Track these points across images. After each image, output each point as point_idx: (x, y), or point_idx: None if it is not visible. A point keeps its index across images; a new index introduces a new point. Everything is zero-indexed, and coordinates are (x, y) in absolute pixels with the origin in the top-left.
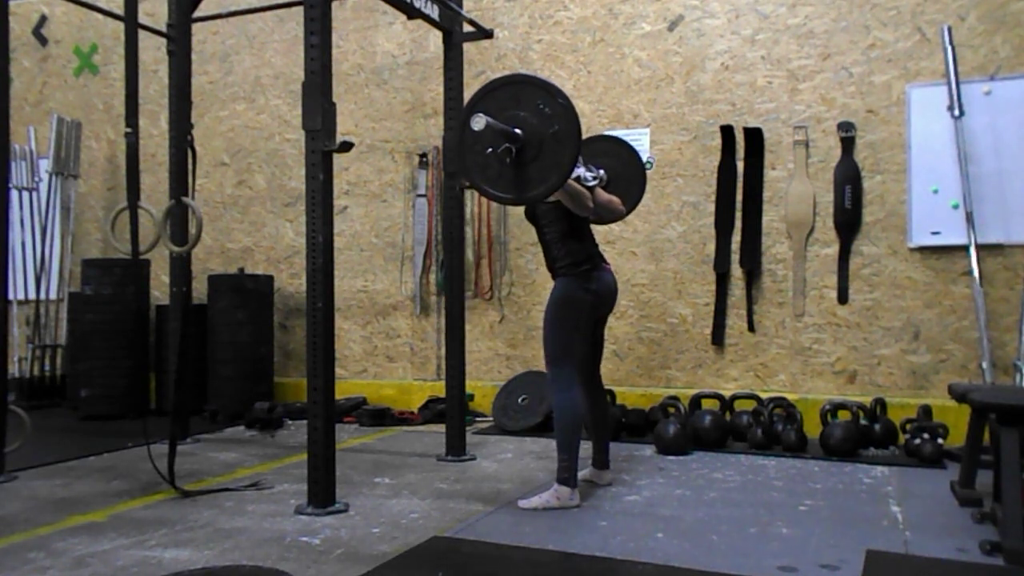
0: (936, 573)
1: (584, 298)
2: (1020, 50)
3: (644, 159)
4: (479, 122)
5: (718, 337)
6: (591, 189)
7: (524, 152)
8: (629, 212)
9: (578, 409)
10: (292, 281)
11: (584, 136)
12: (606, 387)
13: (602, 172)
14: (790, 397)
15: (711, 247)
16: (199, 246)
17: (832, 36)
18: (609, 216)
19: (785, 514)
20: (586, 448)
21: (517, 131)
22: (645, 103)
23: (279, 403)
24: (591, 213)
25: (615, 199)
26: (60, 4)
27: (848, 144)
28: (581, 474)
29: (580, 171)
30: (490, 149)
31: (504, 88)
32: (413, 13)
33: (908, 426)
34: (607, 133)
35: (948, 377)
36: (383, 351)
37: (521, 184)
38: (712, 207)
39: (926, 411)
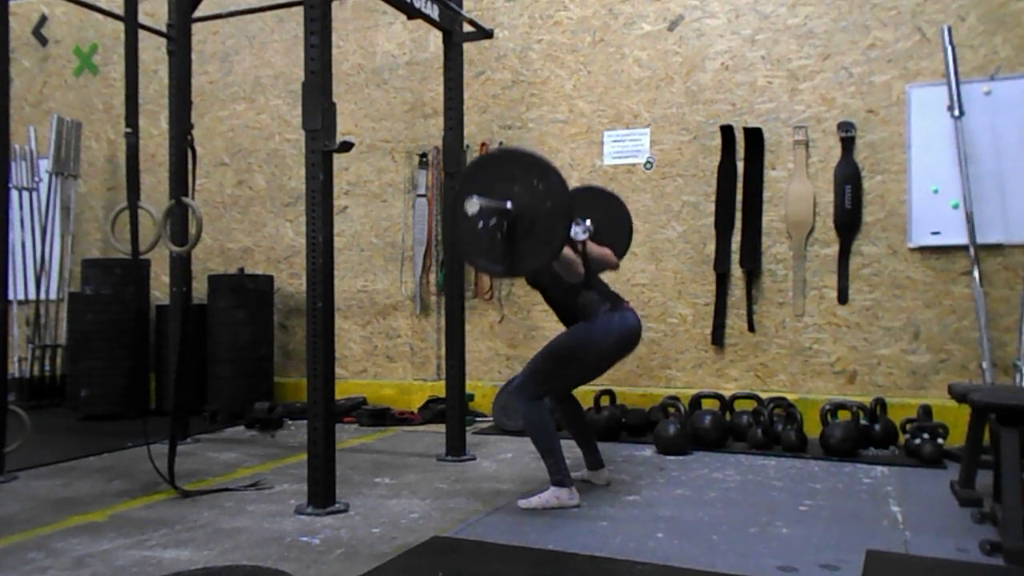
0: (936, 573)
1: (600, 343)
2: (1020, 50)
3: (644, 159)
4: (473, 205)
5: (718, 337)
6: (583, 243)
7: (516, 227)
8: (619, 261)
9: (544, 411)
10: (292, 281)
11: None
12: (606, 387)
13: (588, 223)
14: (790, 397)
15: (711, 247)
16: (199, 246)
17: (832, 36)
18: (601, 269)
19: (785, 514)
20: (577, 454)
21: (507, 205)
22: (645, 103)
23: (279, 403)
24: (581, 279)
25: (607, 251)
26: (60, 4)
27: (848, 144)
28: (577, 475)
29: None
30: (481, 223)
31: (497, 161)
32: (413, 13)
33: (908, 426)
34: (590, 185)
35: (948, 377)
36: (383, 351)
37: (512, 258)
38: (712, 207)
39: (926, 411)
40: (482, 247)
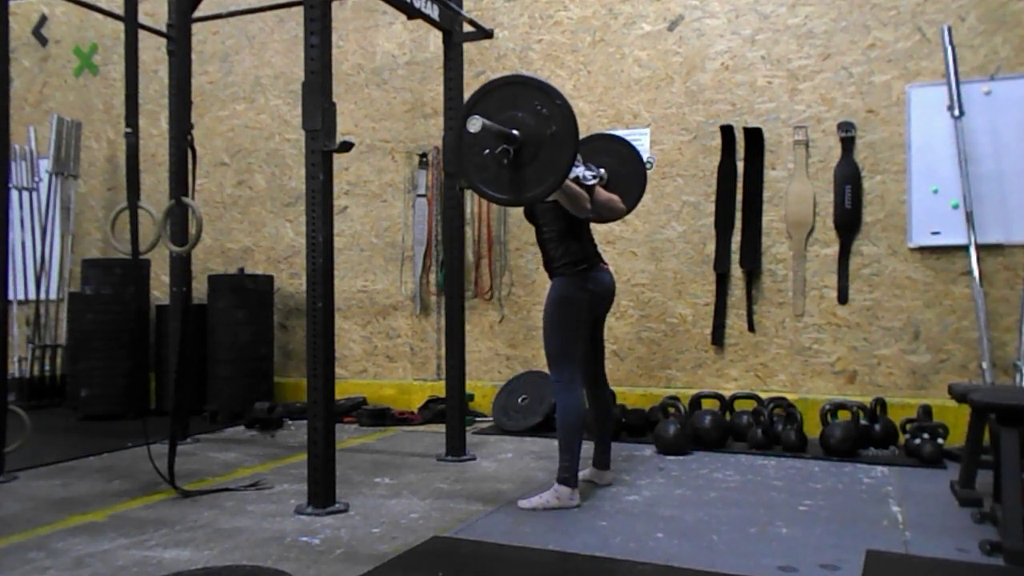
0: (936, 573)
1: (581, 297)
2: (1020, 50)
3: (644, 159)
4: (475, 124)
5: (718, 337)
6: (591, 188)
7: (521, 153)
8: (629, 211)
9: (581, 410)
10: (292, 281)
11: (583, 135)
12: None
13: (602, 171)
14: (790, 397)
15: (711, 247)
16: (199, 246)
17: (832, 36)
18: (609, 215)
19: (785, 514)
20: (587, 448)
21: (514, 132)
22: (645, 103)
23: (279, 403)
24: (589, 214)
25: (615, 198)
26: (60, 4)
27: (848, 144)
28: (582, 474)
29: (579, 171)
30: (487, 150)
31: (502, 89)
32: (413, 13)
33: (908, 426)
34: (607, 132)
35: (948, 377)
36: (383, 351)
37: (518, 185)
38: (712, 207)
39: (926, 411)
40: (488, 174)
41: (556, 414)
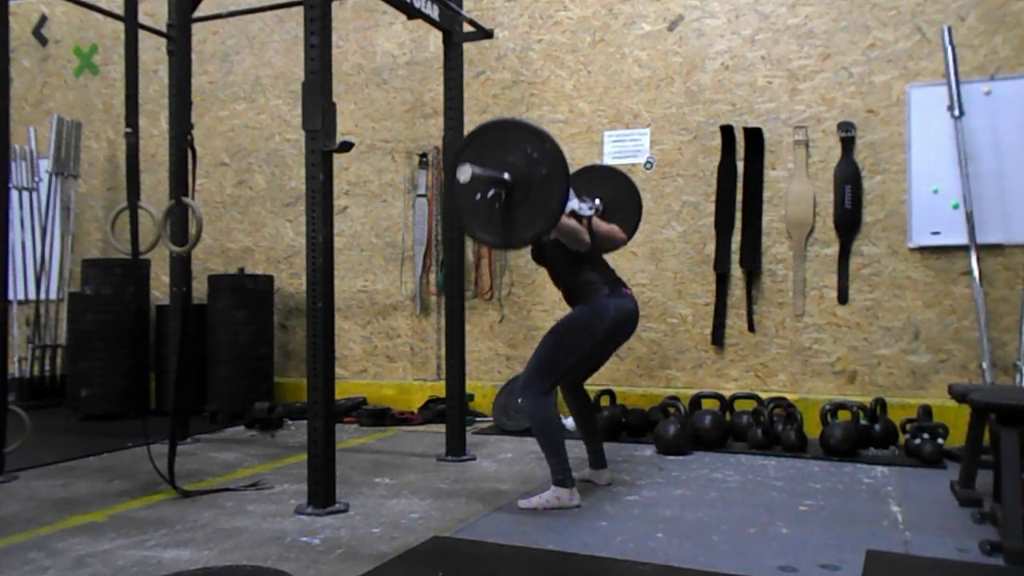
0: (936, 573)
1: (599, 325)
2: (1020, 50)
3: (644, 159)
4: (465, 173)
5: (718, 337)
6: (588, 219)
7: (512, 196)
8: (629, 238)
9: (550, 412)
10: (292, 281)
11: (576, 167)
12: (606, 387)
13: (597, 201)
14: (790, 397)
15: (711, 247)
16: (199, 246)
17: (832, 36)
18: (610, 245)
19: (785, 514)
20: (582, 450)
21: (505, 176)
22: (645, 103)
23: (279, 403)
24: (589, 248)
25: (614, 227)
26: (60, 4)
27: (848, 144)
28: (579, 475)
29: (574, 203)
30: (479, 195)
31: (491, 133)
32: (413, 13)
33: (908, 426)
34: (599, 163)
35: (948, 377)
36: (383, 351)
37: (511, 228)
38: (712, 207)
39: (926, 411)
40: (480, 218)
41: (528, 421)
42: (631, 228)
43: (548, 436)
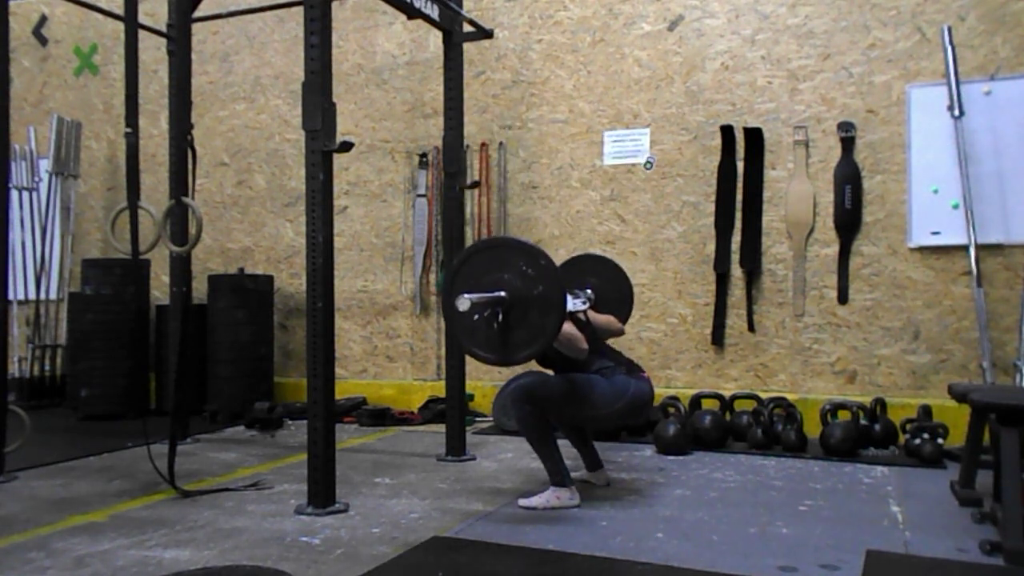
0: (936, 573)
1: (616, 402)
2: (1020, 50)
3: (644, 159)
4: (464, 304)
5: (718, 337)
6: (584, 313)
7: (510, 316)
8: (624, 326)
9: (539, 415)
10: (292, 281)
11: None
12: None
13: (588, 292)
14: (790, 397)
15: (711, 247)
16: (199, 246)
17: (832, 36)
18: (608, 336)
19: (785, 514)
20: (576, 452)
21: (501, 294)
22: (645, 103)
23: (279, 403)
24: (586, 353)
25: (611, 319)
26: (60, 4)
27: (848, 144)
28: (576, 476)
29: (567, 301)
30: (476, 316)
31: (486, 252)
32: (413, 13)
33: (908, 426)
34: (587, 252)
35: (948, 377)
36: (383, 351)
37: (509, 346)
38: (712, 207)
39: (926, 411)
40: (478, 338)
41: (516, 425)
42: (624, 315)
43: (538, 439)
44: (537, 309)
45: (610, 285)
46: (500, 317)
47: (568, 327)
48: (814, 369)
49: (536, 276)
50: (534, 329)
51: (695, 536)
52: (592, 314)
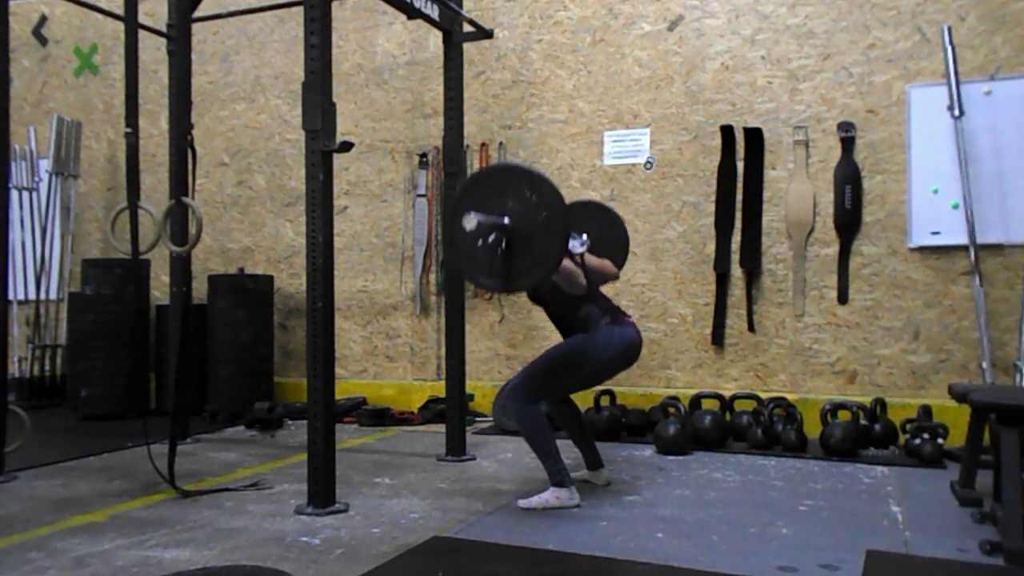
0: (936, 573)
1: (601, 354)
2: (1020, 50)
3: (644, 159)
4: (471, 221)
5: (718, 337)
6: (581, 255)
7: (513, 242)
8: (618, 272)
9: (538, 415)
10: (292, 281)
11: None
12: (606, 387)
13: (584, 236)
14: (790, 397)
15: (711, 247)
16: (199, 246)
17: (832, 36)
18: (602, 280)
19: (785, 514)
20: (577, 452)
21: (505, 221)
22: (645, 103)
23: (279, 403)
24: (585, 290)
25: (606, 262)
26: (60, 4)
27: (848, 144)
28: (577, 475)
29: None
30: (480, 241)
31: (490, 178)
32: (413, 13)
33: (908, 426)
34: (584, 199)
35: (948, 377)
36: (383, 351)
37: (511, 274)
38: (712, 207)
39: (926, 411)
40: (481, 264)
41: (516, 425)
42: (619, 262)
43: (538, 439)
44: (540, 236)
45: (607, 232)
46: (503, 244)
47: (567, 262)
48: (814, 369)
49: (540, 203)
50: (537, 256)
51: (695, 536)
52: (588, 257)
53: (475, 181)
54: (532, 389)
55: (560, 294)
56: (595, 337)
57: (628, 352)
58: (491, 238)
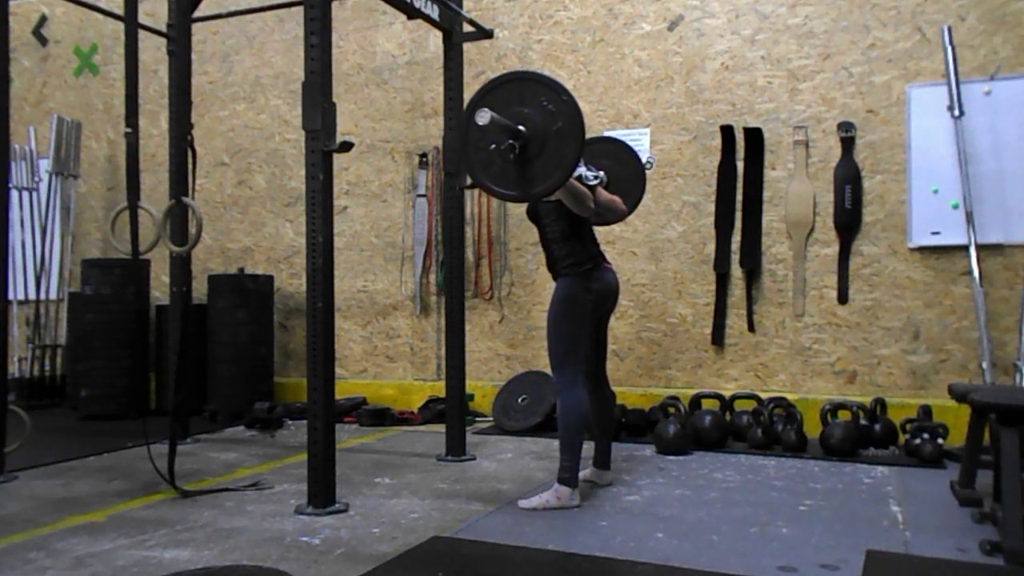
0: (936, 573)
1: (586, 297)
2: (1020, 50)
3: (644, 159)
4: (484, 116)
5: (718, 337)
6: (592, 189)
7: (527, 149)
8: (630, 212)
9: (583, 410)
10: (292, 281)
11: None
12: None
13: (601, 173)
14: (790, 397)
15: (711, 247)
16: (199, 246)
17: (832, 36)
18: (611, 216)
19: (785, 514)
20: (587, 448)
21: (520, 128)
22: (645, 103)
23: (279, 403)
24: (592, 214)
25: (616, 199)
26: (60, 4)
27: (848, 144)
28: (582, 474)
29: (581, 170)
30: (493, 145)
31: (508, 85)
32: (413, 13)
33: (908, 426)
34: (606, 134)
35: (948, 377)
36: (383, 351)
37: (524, 181)
38: (712, 207)
39: (926, 411)
40: (494, 171)
41: (557, 414)
42: (633, 203)
43: (570, 431)
44: (555, 144)
45: (623, 171)
46: (517, 150)
47: (578, 183)
48: (814, 369)
49: (556, 111)
50: (552, 164)
51: (695, 536)
52: (599, 191)
53: (493, 86)
54: (562, 365)
55: (556, 220)
56: (574, 283)
57: (607, 295)
58: (505, 144)
